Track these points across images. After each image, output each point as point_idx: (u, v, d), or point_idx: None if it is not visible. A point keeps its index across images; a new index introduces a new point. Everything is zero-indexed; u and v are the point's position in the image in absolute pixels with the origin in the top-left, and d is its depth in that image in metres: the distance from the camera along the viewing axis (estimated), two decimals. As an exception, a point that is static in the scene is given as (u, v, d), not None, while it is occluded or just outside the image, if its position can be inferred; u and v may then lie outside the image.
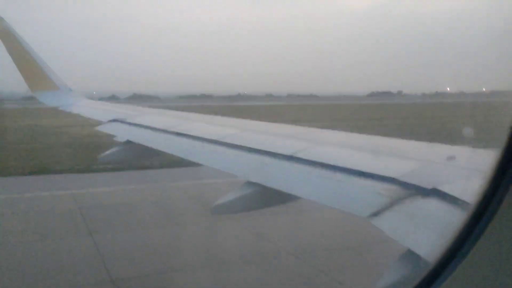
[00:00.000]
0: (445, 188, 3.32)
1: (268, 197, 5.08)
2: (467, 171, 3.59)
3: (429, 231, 3.17)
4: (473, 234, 1.81)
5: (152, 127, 8.97)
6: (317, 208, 10.64)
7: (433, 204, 3.32)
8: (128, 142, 8.76)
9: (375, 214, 3.47)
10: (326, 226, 14.31)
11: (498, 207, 1.70)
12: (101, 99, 22.87)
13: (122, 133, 9.49)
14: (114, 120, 10.52)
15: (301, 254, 12.76)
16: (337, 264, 12.05)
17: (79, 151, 30.39)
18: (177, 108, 15.09)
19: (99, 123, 10.87)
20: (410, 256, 3.02)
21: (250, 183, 5.11)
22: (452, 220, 2.75)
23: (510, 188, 1.68)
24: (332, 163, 4.68)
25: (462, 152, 4.16)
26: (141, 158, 9.66)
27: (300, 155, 5.18)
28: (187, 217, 16.13)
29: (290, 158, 5.22)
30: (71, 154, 30.11)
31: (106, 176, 23.19)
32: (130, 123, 9.93)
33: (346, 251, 12.97)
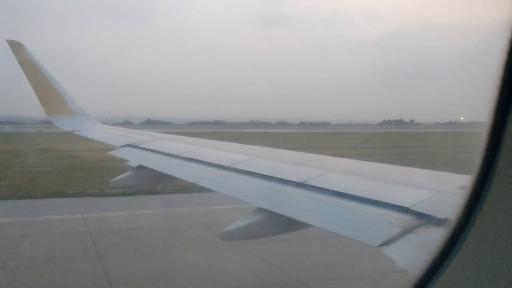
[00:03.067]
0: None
1: (278, 224, 5.05)
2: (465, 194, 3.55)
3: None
4: (453, 249, 1.94)
5: (165, 152, 9.02)
6: (328, 236, 10.53)
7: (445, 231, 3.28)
8: (141, 167, 8.81)
9: (386, 243, 3.43)
10: (336, 255, 14.16)
11: (474, 223, 1.85)
12: (115, 124, 23.19)
13: (134, 158, 9.56)
14: (127, 145, 10.60)
15: (309, 283, 12.55)
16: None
17: (92, 175, 30.55)
18: (189, 134, 15.21)
19: (113, 147, 10.96)
20: None
21: (260, 210, 5.10)
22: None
23: (484, 207, 1.81)
24: (343, 191, 4.66)
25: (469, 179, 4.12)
26: (153, 183, 9.68)
27: (311, 182, 5.16)
28: (195, 243, 16.04)
29: (301, 185, 5.21)
30: (83, 178, 30.25)
31: (117, 201, 23.24)
32: (142, 148, 10.00)
33: (353, 281, 12.74)
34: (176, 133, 16.11)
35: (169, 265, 13.81)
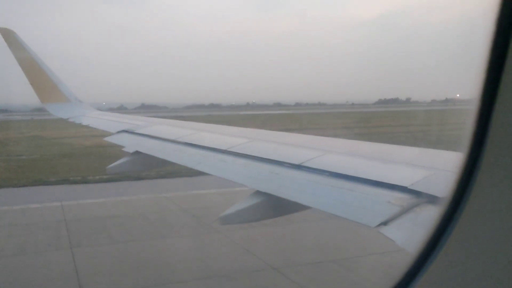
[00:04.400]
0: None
1: (277, 207, 5.04)
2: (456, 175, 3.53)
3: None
4: (446, 231, 1.92)
5: (161, 137, 8.97)
6: (326, 218, 10.55)
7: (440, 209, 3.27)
8: (137, 152, 8.77)
9: (385, 223, 3.43)
10: (335, 236, 14.24)
11: (466, 204, 1.84)
12: (109, 110, 23.10)
13: (130, 144, 9.50)
14: (123, 131, 10.55)
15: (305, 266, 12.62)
16: (341, 275, 11.91)
17: (79, 162, 30.57)
18: (185, 118, 15.16)
19: (108, 134, 10.91)
20: None
21: (258, 193, 5.08)
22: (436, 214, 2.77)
23: (476, 185, 1.81)
24: (341, 172, 4.64)
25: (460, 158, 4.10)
26: (149, 168, 9.64)
27: (309, 164, 5.14)
28: (192, 228, 16.08)
29: (299, 167, 5.19)
30: (69, 165, 30.12)
31: (100, 187, 23.25)
32: (138, 134, 9.95)
33: (351, 261, 12.84)
34: (172, 118, 16.07)
35: (141, 253, 13.65)
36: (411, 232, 3.29)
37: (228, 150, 6.74)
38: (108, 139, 10.55)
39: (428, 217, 3.33)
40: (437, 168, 4.09)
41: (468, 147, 1.85)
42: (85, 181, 24.62)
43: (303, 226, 14.90)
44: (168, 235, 15.43)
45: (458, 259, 1.90)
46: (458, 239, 1.88)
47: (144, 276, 11.85)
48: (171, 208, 19.22)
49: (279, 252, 13.50)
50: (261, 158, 5.97)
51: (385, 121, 72.23)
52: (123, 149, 9.41)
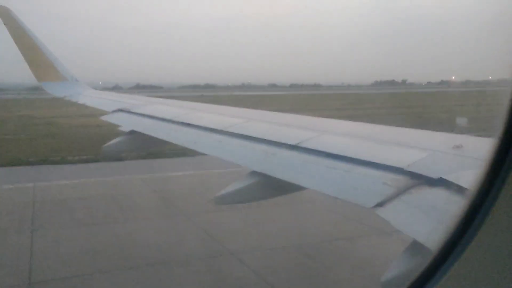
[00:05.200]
0: (452, 178, 3.28)
1: (272, 187, 5.05)
2: (474, 160, 3.54)
3: (435, 221, 3.12)
4: (472, 225, 1.80)
5: (157, 117, 8.95)
6: (323, 198, 10.54)
7: (439, 194, 3.28)
8: (133, 132, 8.75)
9: (381, 204, 3.44)
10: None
11: (497, 196, 1.70)
12: (104, 89, 22.92)
13: (126, 123, 9.49)
14: (119, 110, 10.52)
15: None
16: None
17: (72, 142, 30.27)
18: (181, 98, 15.00)
19: (104, 113, 10.87)
20: (416, 247, 2.99)
21: (254, 173, 5.09)
22: (459, 210, 2.73)
23: (508, 177, 1.68)
24: (337, 153, 4.64)
25: (469, 141, 4.11)
26: (145, 147, 9.63)
27: (305, 144, 5.14)
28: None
29: (295, 147, 5.19)
30: (53, 145, 29.71)
31: (79, 168, 23.04)
32: (135, 113, 9.92)
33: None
34: (168, 97, 15.97)
35: (103, 237, 13.43)
36: (406, 214, 3.32)
37: (224, 130, 6.72)
38: (104, 118, 10.52)
39: (423, 199, 3.36)
40: (434, 149, 4.10)
41: (499, 137, 1.74)
42: (65, 162, 24.34)
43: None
44: (132, 218, 15.23)
45: (482, 260, 1.80)
46: (483, 239, 1.78)
47: (93, 261, 11.58)
48: (146, 190, 19.10)
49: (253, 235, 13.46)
50: (257, 138, 5.96)
51: (381, 103, 72.24)
52: (119, 128, 9.40)
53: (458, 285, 1.89)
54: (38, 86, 16.62)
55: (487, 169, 1.77)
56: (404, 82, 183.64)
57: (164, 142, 7.96)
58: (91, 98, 14.01)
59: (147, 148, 11.27)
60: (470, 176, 2.96)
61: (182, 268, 11.17)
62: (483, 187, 1.78)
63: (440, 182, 3.35)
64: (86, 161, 23.92)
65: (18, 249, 12.31)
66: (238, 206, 10.52)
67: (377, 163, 4.10)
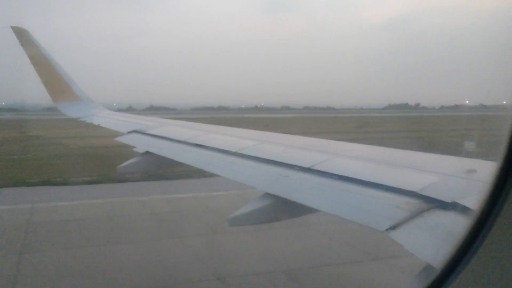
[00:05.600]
0: (465, 202, 3.29)
1: (285, 209, 5.07)
2: (487, 185, 3.54)
3: (448, 245, 3.12)
4: (476, 240, 1.86)
5: (171, 138, 9.05)
6: (335, 221, 10.49)
7: (452, 217, 3.29)
8: (147, 153, 8.84)
9: (393, 227, 3.44)
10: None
11: (499, 214, 1.78)
12: (118, 110, 23.16)
13: (141, 144, 9.59)
14: (134, 131, 10.64)
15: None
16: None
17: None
18: (195, 120, 15.07)
19: (119, 134, 10.98)
20: (429, 271, 2.99)
21: (268, 195, 5.11)
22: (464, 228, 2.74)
23: (510, 196, 1.74)
24: (350, 175, 4.67)
25: (482, 165, 4.12)
26: (159, 168, 9.70)
27: (318, 167, 5.18)
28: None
29: (308, 170, 5.22)
30: (59, 166, 29.58)
31: (81, 189, 22.90)
32: (149, 134, 10.03)
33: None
34: (182, 119, 16.10)
35: (90, 259, 13.17)
36: (419, 237, 3.31)
37: (238, 152, 6.78)
38: (119, 139, 10.64)
39: (437, 223, 3.35)
40: (447, 173, 4.11)
41: (501, 156, 1.81)
42: (67, 183, 24.16)
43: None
44: (127, 240, 14.99)
45: (487, 273, 1.84)
46: (486, 254, 1.84)
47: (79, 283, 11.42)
48: (148, 211, 19.00)
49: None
50: (271, 160, 6.01)
51: (390, 126, 71.96)
52: (133, 149, 9.50)
53: None
54: (53, 107, 16.82)
55: (489, 190, 1.85)
56: (417, 105, 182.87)
57: (178, 164, 8.03)
58: (105, 119, 14.15)
59: (161, 169, 11.31)
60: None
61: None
62: (486, 207, 1.86)
63: (454, 206, 3.35)
64: (91, 182, 23.92)
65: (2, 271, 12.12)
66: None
67: (389, 186, 4.11)
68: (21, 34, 15.32)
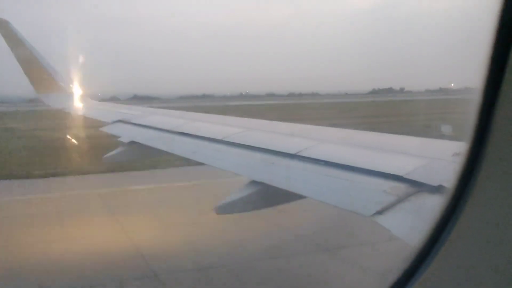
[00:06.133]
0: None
1: (272, 197, 5.07)
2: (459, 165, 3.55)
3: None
4: (448, 225, 1.92)
5: (156, 127, 9.01)
6: (322, 207, 10.48)
7: (439, 201, 3.29)
8: (133, 142, 8.79)
9: (380, 212, 3.45)
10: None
11: (471, 193, 1.84)
12: (101, 100, 22.89)
13: (126, 134, 9.53)
14: (119, 121, 10.57)
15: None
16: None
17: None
18: (179, 109, 15.00)
19: (104, 124, 10.90)
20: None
21: (254, 183, 5.10)
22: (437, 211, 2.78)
23: (481, 175, 1.80)
24: (336, 161, 4.67)
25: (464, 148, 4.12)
26: (145, 158, 9.67)
27: (304, 153, 5.17)
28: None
29: (295, 156, 5.21)
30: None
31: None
32: (134, 124, 9.99)
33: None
34: (166, 108, 15.99)
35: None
36: (406, 222, 3.33)
37: (223, 139, 6.76)
38: (104, 129, 10.57)
39: (424, 207, 3.36)
40: (433, 157, 4.12)
41: (470, 139, 1.84)
42: (25, 176, 23.53)
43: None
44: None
45: (460, 256, 1.89)
46: (459, 234, 1.87)
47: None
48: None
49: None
50: (257, 147, 6.00)
51: (379, 111, 72.31)
52: (118, 139, 9.44)
53: (438, 281, 1.99)
54: (36, 98, 16.63)
55: (460, 171, 1.89)
56: (402, 90, 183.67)
57: (163, 153, 8.00)
58: (90, 110, 14.05)
59: (147, 158, 11.28)
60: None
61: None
62: (457, 189, 1.91)
63: (440, 190, 3.35)
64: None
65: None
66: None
67: (376, 171, 4.12)
68: (3, 26, 15.10)
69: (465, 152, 1.89)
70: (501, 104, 1.71)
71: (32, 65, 15.48)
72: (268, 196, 5.04)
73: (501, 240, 1.79)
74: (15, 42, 15.20)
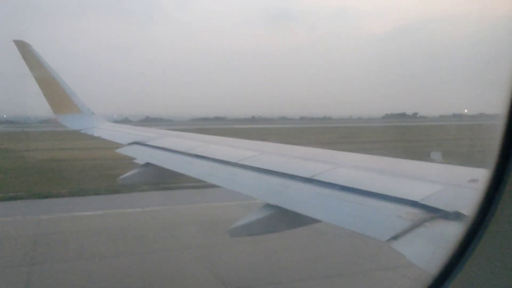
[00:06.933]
0: (468, 212, 3.28)
1: (287, 220, 5.06)
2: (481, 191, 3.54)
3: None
4: (470, 246, 1.92)
5: (171, 149, 9.05)
6: (337, 231, 10.42)
7: (455, 227, 3.28)
8: (148, 164, 8.85)
9: (395, 237, 3.43)
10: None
11: (491, 220, 1.83)
12: (115, 122, 23.11)
13: (141, 156, 9.60)
14: (135, 143, 10.65)
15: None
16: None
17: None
18: (193, 131, 15.11)
19: (120, 145, 11.00)
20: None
21: (269, 206, 5.11)
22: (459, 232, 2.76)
23: (502, 202, 1.80)
24: (352, 185, 4.67)
25: (485, 175, 4.12)
26: (160, 179, 9.71)
27: (319, 177, 5.17)
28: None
29: (309, 180, 5.21)
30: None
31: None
32: (149, 146, 10.04)
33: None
34: (180, 130, 16.11)
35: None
36: (421, 247, 3.30)
37: (239, 162, 6.79)
38: (120, 150, 10.65)
39: (439, 233, 3.34)
40: (448, 183, 4.11)
41: (494, 164, 1.85)
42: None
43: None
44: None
45: (480, 278, 1.89)
46: (480, 258, 1.87)
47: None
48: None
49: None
50: (272, 171, 6.01)
51: (378, 136, 71.96)
52: (134, 160, 9.52)
53: None
54: (53, 119, 16.86)
55: (482, 197, 1.91)
56: (415, 115, 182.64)
57: (179, 175, 8.04)
58: (106, 131, 14.19)
59: (162, 180, 11.33)
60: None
61: None
62: (479, 213, 1.91)
63: (456, 216, 3.34)
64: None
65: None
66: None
67: (391, 196, 4.10)
68: (23, 48, 15.47)
69: (488, 175, 1.89)
70: None
71: (51, 86, 15.74)
72: (282, 219, 5.04)
73: None
74: (34, 63, 15.51)
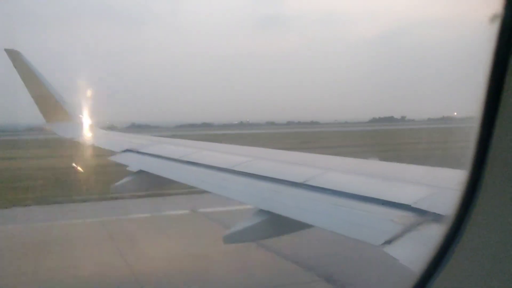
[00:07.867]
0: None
1: (280, 226, 5.08)
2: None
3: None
4: (452, 244, 2.00)
5: (164, 156, 9.04)
6: (329, 236, 10.45)
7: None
8: (141, 171, 8.83)
9: (388, 242, 3.45)
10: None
11: (470, 218, 1.93)
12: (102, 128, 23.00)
13: (134, 163, 9.57)
14: (127, 150, 10.62)
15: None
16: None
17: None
18: (183, 137, 15.09)
19: (113, 153, 10.95)
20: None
21: (261, 212, 5.14)
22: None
23: (478, 203, 1.90)
24: (343, 190, 4.69)
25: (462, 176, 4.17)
26: (153, 187, 9.68)
27: (311, 182, 5.19)
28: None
29: (301, 185, 5.23)
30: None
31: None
32: (142, 153, 10.01)
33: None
34: (170, 137, 16.09)
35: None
36: (415, 251, 3.30)
37: (231, 168, 6.80)
38: (113, 158, 10.61)
39: (432, 236, 3.37)
40: (440, 186, 4.13)
41: (470, 164, 1.93)
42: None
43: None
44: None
45: (462, 276, 1.97)
46: (461, 255, 1.95)
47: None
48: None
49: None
50: (264, 176, 6.01)
51: (381, 139, 72.21)
52: (127, 168, 9.49)
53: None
54: (43, 127, 16.81)
55: (460, 197, 2.01)
56: (403, 118, 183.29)
57: (172, 182, 8.03)
58: (99, 139, 14.12)
59: (155, 187, 11.30)
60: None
61: None
62: (458, 214, 2.01)
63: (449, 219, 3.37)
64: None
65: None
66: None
67: (383, 200, 4.12)
68: (14, 57, 15.43)
69: (465, 175, 1.97)
70: (499, 126, 1.78)
71: (43, 94, 15.70)
72: (275, 225, 5.05)
73: (502, 261, 1.86)
74: (26, 72, 15.47)
